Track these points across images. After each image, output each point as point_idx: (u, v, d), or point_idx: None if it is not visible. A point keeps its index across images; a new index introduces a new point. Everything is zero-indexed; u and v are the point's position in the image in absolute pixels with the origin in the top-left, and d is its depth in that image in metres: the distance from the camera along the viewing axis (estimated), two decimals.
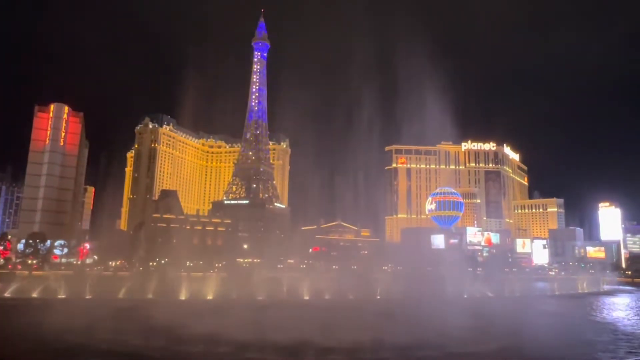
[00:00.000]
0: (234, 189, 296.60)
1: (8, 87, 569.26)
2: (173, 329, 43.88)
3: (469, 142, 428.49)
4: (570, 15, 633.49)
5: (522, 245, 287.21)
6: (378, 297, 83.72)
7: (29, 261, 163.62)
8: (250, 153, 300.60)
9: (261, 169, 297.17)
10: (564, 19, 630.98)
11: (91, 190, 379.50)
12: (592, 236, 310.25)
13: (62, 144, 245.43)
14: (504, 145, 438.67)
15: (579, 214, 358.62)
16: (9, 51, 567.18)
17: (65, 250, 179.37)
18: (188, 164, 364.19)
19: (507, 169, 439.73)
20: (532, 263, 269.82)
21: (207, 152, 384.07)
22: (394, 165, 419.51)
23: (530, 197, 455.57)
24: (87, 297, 76.16)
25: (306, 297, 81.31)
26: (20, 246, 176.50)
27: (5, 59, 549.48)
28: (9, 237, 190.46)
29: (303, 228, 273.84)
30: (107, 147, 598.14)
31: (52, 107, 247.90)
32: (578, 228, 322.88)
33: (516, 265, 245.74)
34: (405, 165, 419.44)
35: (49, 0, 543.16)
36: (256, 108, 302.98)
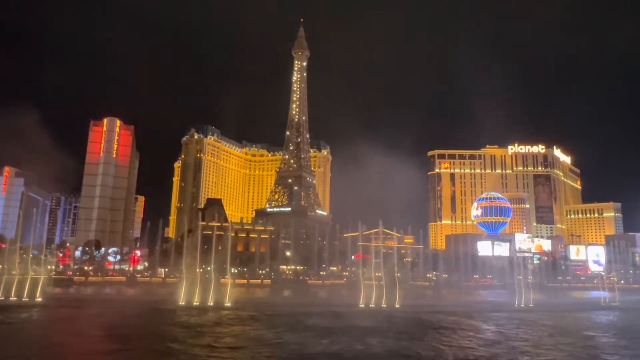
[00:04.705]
0: (277, 196, 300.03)
1: (66, 102, 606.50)
2: None
3: (516, 144, 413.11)
4: (622, 9, 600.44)
5: (576, 252, 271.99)
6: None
7: (86, 267, 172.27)
8: (292, 161, 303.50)
9: (303, 177, 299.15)
10: (616, 14, 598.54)
11: (141, 199, 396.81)
12: None
13: (114, 155, 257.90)
14: (554, 147, 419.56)
15: (639, 219, 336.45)
16: (66, 71, 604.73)
17: (118, 257, 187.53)
18: (232, 173, 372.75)
19: (558, 172, 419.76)
20: (588, 271, 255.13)
21: (250, 160, 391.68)
22: (436, 170, 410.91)
23: (584, 201, 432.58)
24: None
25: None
26: (77, 253, 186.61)
27: (64, 77, 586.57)
28: (68, 244, 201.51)
29: (345, 235, 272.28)
30: (156, 158, 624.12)
31: (105, 121, 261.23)
32: (638, 234, 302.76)
33: (570, 273, 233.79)
34: (448, 170, 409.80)
35: (98, 20, 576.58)
36: (297, 117, 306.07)
